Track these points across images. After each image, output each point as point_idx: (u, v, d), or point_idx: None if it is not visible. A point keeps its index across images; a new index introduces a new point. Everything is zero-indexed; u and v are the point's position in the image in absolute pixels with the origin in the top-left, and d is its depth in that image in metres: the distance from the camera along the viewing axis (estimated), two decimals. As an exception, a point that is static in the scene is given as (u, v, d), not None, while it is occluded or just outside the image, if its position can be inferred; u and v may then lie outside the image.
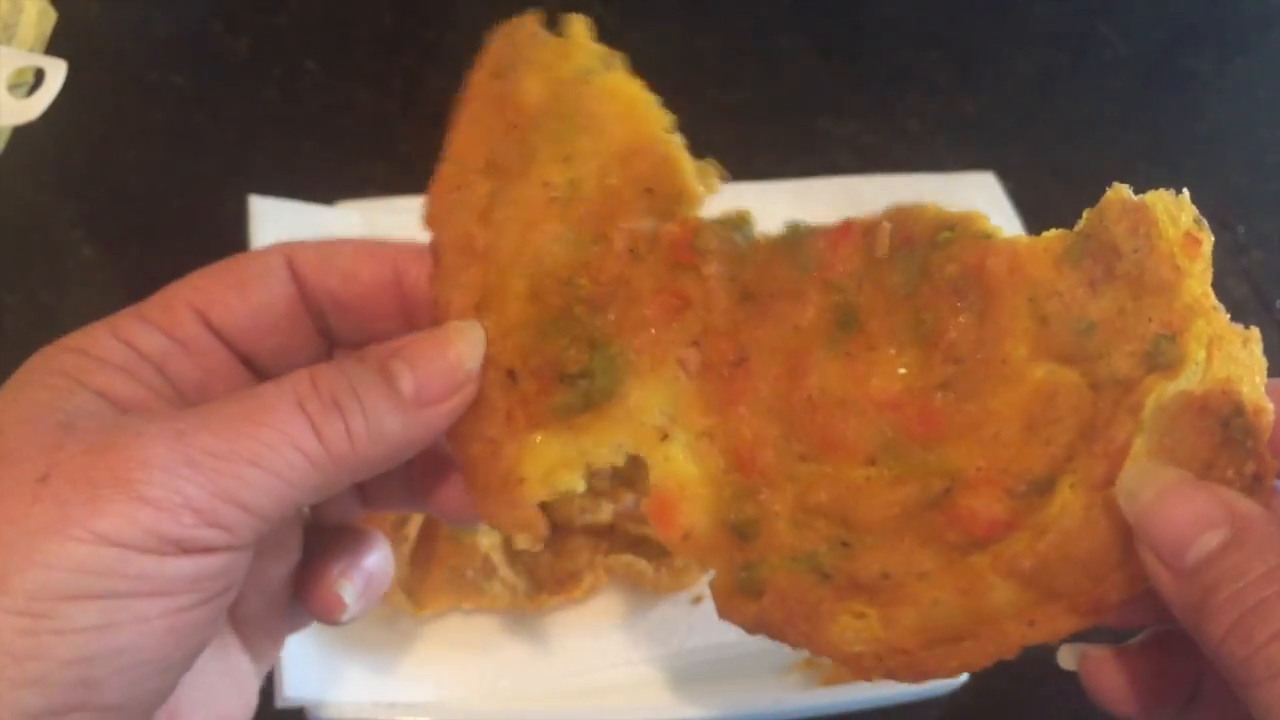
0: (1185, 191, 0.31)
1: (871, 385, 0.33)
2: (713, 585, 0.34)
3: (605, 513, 0.56)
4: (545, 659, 0.55)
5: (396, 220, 0.65)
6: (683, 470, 0.33)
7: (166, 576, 0.28)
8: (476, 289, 0.34)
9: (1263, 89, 0.80)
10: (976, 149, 0.72)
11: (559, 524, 0.56)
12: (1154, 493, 0.29)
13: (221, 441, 0.29)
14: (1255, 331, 0.31)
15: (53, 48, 0.70)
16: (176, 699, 0.31)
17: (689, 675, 0.55)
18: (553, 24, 0.34)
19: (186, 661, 0.30)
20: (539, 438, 0.33)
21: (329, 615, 0.36)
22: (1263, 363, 0.31)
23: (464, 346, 0.32)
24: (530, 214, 0.33)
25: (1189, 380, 0.31)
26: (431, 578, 0.55)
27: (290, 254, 0.35)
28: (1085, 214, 0.32)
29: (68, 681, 0.27)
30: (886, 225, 0.34)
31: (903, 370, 0.33)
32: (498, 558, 0.56)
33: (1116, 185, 0.32)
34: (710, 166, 0.36)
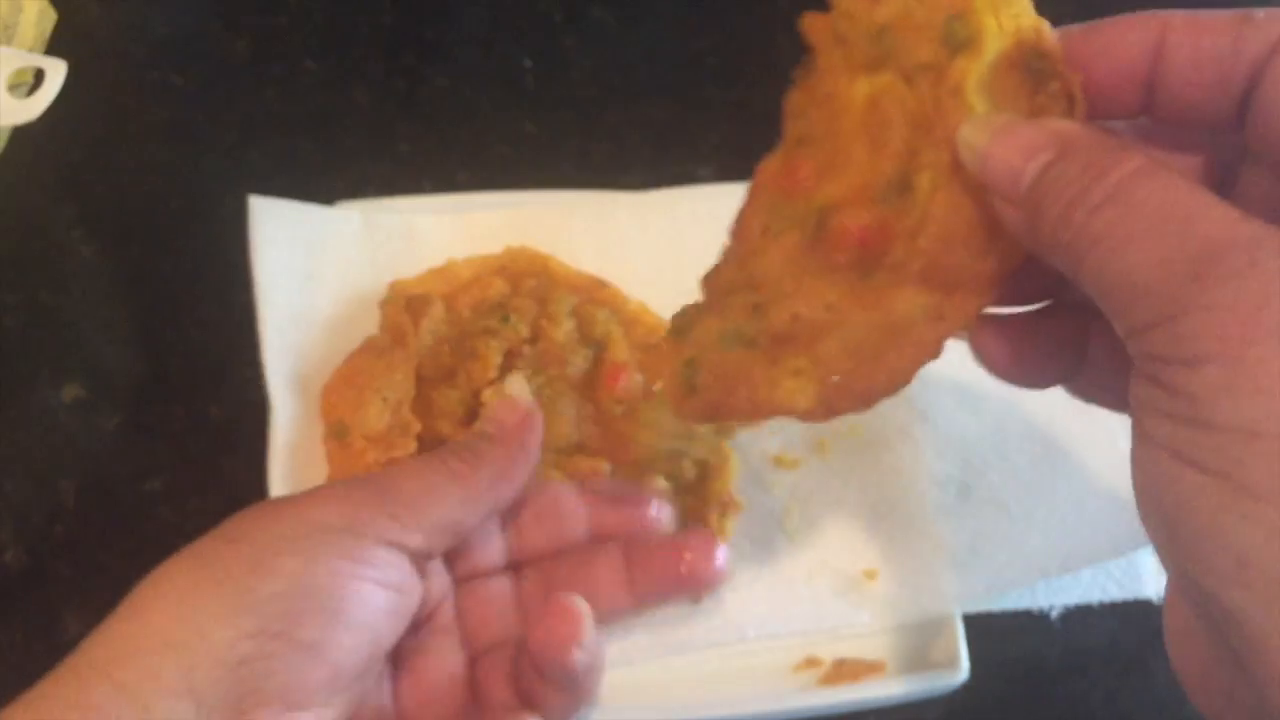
0: None
1: (759, 170, 0.38)
2: (667, 395, 0.38)
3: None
4: (545, 659, 0.55)
5: (397, 220, 0.65)
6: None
7: (351, 551, 0.37)
8: None
9: (1263, 89, 0.80)
10: (976, 149, 0.72)
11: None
12: (986, 138, 0.32)
13: (401, 480, 0.42)
14: None
15: (53, 48, 0.70)
16: None
17: (689, 675, 0.55)
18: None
19: (368, 643, 0.38)
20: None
21: (559, 638, 0.44)
22: None
23: (511, 388, 0.49)
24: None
25: (994, 48, 0.33)
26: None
27: None
28: None
29: (277, 612, 0.36)
30: None
31: (780, 150, 0.38)
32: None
33: None
34: None
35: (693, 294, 0.65)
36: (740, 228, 0.40)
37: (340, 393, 0.56)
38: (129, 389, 0.63)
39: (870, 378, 0.34)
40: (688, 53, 0.77)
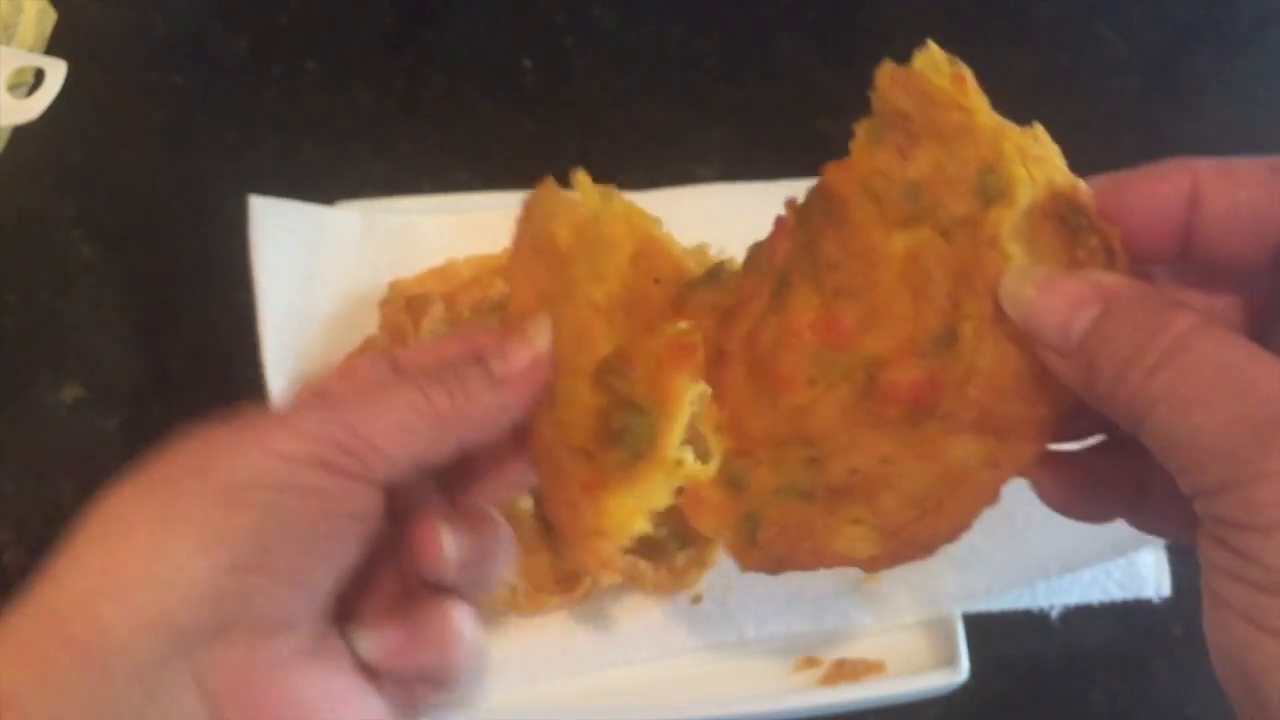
0: (932, 44, 0.37)
1: (793, 321, 0.38)
2: (729, 548, 0.38)
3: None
4: (545, 659, 0.55)
5: (397, 220, 0.65)
6: (699, 469, 0.38)
7: (320, 483, 0.36)
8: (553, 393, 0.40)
9: (1263, 89, 0.80)
10: (976, 149, 0.72)
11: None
12: (1031, 291, 0.33)
13: (359, 402, 0.38)
14: (1037, 126, 0.35)
15: (52, 48, 0.70)
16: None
17: (689, 675, 0.55)
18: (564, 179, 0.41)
19: (339, 566, 0.38)
20: (609, 496, 0.38)
21: (423, 552, 0.40)
22: (1055, 148, 0.35)
23: (535, 329, 0.41)
24: (582, 327, 0.40)
25: (1027, 197, 0.34)
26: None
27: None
28: (871, 97, 0.37)
29: (251, 546, 0.35)
30: (790, 200, 0.40)
31: (814, 299, 0.38)
32: (498, 558, 0.56)
33: (883, 62, 0.37)
34: (701, 249, 0.44)
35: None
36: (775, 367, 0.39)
37: (340, 393, 0.56)
38: (129, 389, 0.63)
39: (933, 526, 0.35)
40: (688, 53, 0.77)
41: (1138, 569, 0.60)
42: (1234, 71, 0.81)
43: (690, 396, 0.38)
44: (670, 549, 0.57)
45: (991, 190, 0.34)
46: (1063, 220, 0.34)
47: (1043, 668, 0.59)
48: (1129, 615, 0.59)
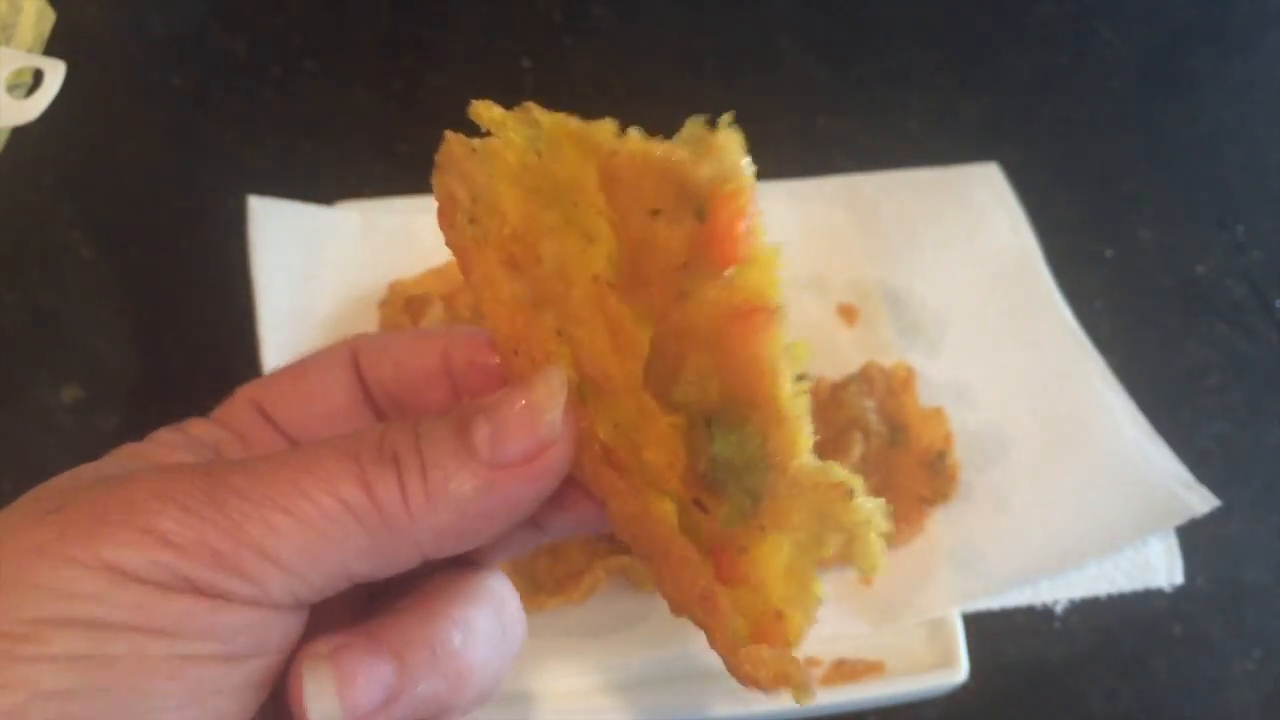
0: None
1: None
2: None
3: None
4: (544, 659, 0.55)
5: (396, 220, 0.65)
6: (846, 475, 0.27)
7: (173, 614, 0.25)
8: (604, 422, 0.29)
9: (1263, 89, 0.80)
10: (976, 149, 0.72)
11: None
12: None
13: (254, 483, 0.26)
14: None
15: (51, 48, 0.70)
16: None
17: (688, 675, 0.55)
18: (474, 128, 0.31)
19: None
20: (760, 577, 0.27)
21: (292, 701, 0.27)
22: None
23: (540, 390, 0.28)
24: (600, 317, 0.28)
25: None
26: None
27: (355, 346, 0.33)
28: None
29: (47, 717, 0.23)
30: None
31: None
32: (497, 558, 0.56)
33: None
34: (695, 124, 0.26)
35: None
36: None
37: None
38: (129, 389, 0.63)
39: None
40: (688, 53, 0.77)
41: (1147, 559, 0.60)
42: (1234, 71, 0.81)
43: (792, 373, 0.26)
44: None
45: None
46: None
47: (1043, 668, 0.59)
48: (1129, 614, 0.59)
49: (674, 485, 0.27)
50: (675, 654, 0.55)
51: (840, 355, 0.63)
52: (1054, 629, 0.59)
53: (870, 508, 0.26)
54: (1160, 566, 0.60)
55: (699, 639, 0.49)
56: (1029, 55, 0.80)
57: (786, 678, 0.27)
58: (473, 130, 0.31)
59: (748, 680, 0.28)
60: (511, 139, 0.29)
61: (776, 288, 0.25)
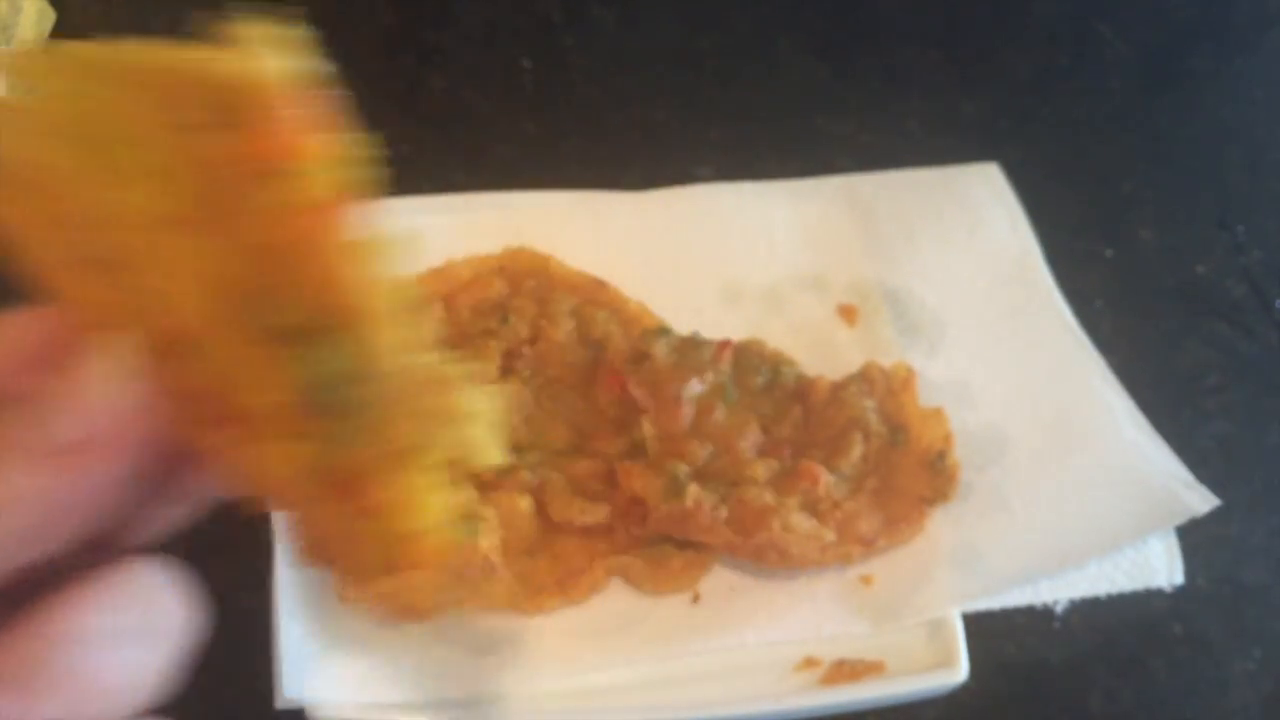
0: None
1: None
2: None
3: (603, 514, 0.56)
4: (545, 659, 0.55)
5: (396, 221, 0.65)
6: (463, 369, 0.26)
7: None
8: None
9: (1263, 89, 0.80)
10: (976, 149, 0.72)
11: (558, 525, 0.56)
12: None
13: None
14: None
15: (52, 48, 0.70)
16: None
17: (689, 675, 0.55)
18: None
19: None
20: (384, 491, 0.25)
21: None
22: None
23: (97, 363, 0.24)
24: (179, 262, 0.24)
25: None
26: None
27: None
28: None
29: None
30: None
31: None
32: (497, 558, 0.56)
33: None
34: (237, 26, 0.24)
35: (691, 293, 0.65)
36: None
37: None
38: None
39: None
40: (688, 53, 0.77)
41: (1147, 558, 0.60)
42: (1234, 71, 0.81)
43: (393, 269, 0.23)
44: (668, 551, 0.57)
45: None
46: None
47: (1043, 668, 0.59)
48: (1129, 614, 0.59)
49: (287, 424, 0.24)
50: (675, 654, 0.55)
51: (840, 355, 0.63)
52: (1054, 629, 0.59)
53: (477, 396, 0.24)
54: (1160, 566, 0.60)
55: (699, 639, 0.49)
56: (1029, 55, 0.80)
57: (409, 611, 0.26)
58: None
59: (379, 617, 0.25)
60: (51, 89, 0.25)
61: (335, 181, 0.23)
